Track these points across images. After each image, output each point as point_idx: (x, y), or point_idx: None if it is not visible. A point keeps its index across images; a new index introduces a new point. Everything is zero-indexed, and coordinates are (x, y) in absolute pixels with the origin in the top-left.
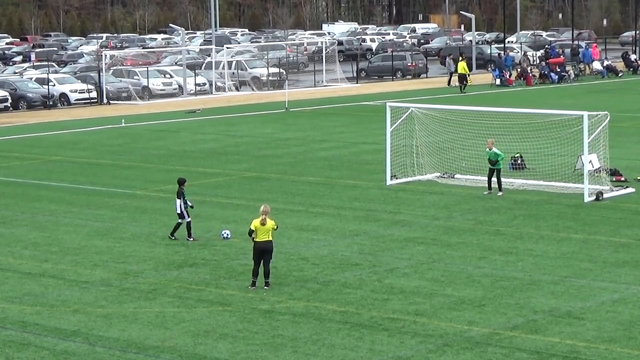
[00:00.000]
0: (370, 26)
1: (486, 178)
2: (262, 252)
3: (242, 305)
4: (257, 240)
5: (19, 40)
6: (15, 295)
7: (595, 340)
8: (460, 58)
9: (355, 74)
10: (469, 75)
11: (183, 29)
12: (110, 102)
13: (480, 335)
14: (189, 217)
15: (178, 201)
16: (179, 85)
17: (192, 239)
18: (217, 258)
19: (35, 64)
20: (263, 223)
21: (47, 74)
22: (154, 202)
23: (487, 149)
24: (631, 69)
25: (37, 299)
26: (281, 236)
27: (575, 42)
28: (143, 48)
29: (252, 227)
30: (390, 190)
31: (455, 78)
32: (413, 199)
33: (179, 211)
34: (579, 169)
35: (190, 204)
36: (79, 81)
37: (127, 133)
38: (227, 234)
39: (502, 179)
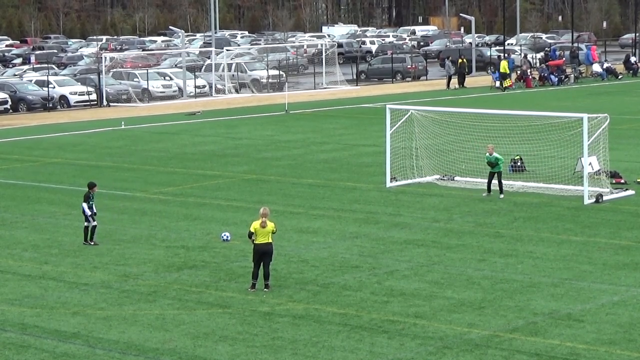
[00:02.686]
0: (370, 28)
1: (484, 180)
2: (262, 254)
3: (241, 307)
4: (257, 242)
5: (18, 42)
6: (15, 297)
7: (595, 342)
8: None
9: (355, 76)
10: (509, 75)
11: (183, 31)
12: (110, 104)
13: (480, 338)
14: (94, 221)
15: (84, 204)
16: (178, 88)
17: (93, 243)
18: (216, 260)
19: (35, 66)
20: (263, 225)
21: (47, 76)
22: (153, 204)
23: (487, 154)
24: (631, 71)
25: (37, 301)
26: (281, 238)
27: (575, 45)
28: (143, 50)
29: (252, 230)
30: (390, 193)
31: (455, 80)
32: (413, 201)
33: (88, 213)
34: (578, 171)
35: (95, 210)
36: (79, 83)
37: (127, 135)
38: (227, 237)
39: (503, 181)
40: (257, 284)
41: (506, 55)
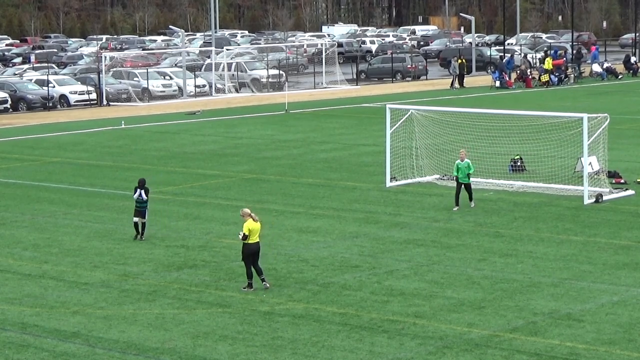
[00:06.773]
0: (370, 28)
1: (484, 180)
2: (254, 253)
3: (241, 306)
4: (251, 242)
5: (18, 41)
6: (15, 296)
7: (594, 342)
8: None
9: (355, 76)
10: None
11: (183, 30)
12: (110, 103)
13: (479, 337)
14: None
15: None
16: (178, 87)
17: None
18: (216, 260)
19: (35, 65)
20: (255, 219)
21: (47, 75)
22: (153, 203)
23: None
24: (631, 71)
25: (36, 300)
26: (281, 238)
27: (575, 44)
28: (143, 50)
29: (246, 232)
30: (390, 192)
31: (455, 80)
32: (413, 200)
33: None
34: (578, 171)
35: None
36: (79, 83)
37: (127, 135)
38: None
39: (502, 181)
40: (254, 282)
41: (550, 52)
